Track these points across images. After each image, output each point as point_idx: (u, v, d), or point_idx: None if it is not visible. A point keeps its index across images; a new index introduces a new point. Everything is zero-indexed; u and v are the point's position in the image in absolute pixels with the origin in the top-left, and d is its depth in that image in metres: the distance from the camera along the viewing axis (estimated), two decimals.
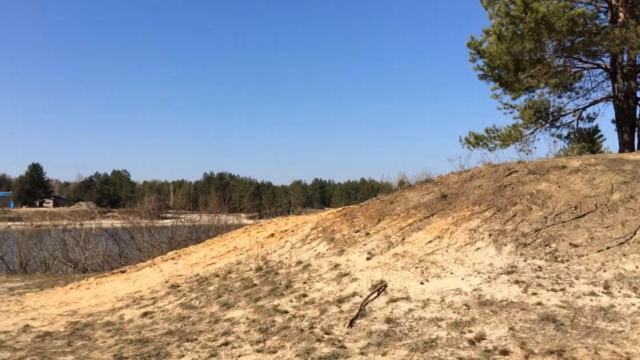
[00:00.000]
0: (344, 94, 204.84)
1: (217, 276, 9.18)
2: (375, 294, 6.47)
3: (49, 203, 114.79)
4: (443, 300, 5.93)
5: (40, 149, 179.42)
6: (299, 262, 8.70)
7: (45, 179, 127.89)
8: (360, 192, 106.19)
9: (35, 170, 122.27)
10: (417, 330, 5.32)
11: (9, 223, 28.63)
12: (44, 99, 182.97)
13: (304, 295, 7.04)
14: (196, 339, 6.21)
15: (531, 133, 16.33)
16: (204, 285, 8.83)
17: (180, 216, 31.48)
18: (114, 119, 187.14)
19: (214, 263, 10.65)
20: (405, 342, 5.07)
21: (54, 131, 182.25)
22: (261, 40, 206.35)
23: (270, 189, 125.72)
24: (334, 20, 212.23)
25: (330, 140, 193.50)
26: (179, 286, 9.14)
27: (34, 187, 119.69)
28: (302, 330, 5.86)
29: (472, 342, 4.84)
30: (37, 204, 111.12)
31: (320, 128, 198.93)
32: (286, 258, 9.26)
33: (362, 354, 4.98)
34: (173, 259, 12.73)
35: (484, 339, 4.89)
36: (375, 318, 5.84)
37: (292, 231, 11.60)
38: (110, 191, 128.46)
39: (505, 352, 4.54)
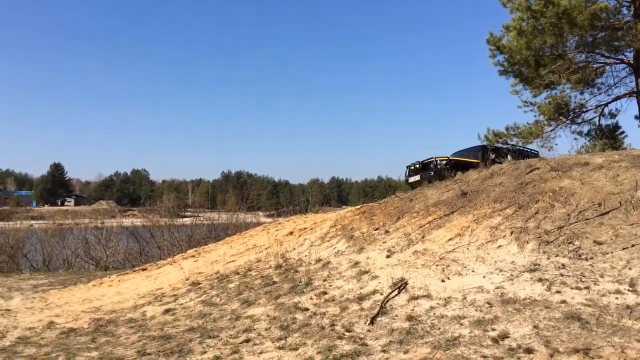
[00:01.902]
0: (358, 92, 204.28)
1: (237, 274, 9.23)
2: (395, 292, 6.45)
3: (70, 202, 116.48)
4: (465, 298, 5.89)
5: (61, 149, 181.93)
6: (318, 260, 8.71)
7: (67, 178, 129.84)
8: (377, 190, 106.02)
9: (57, 169, 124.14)
10: (439, 328, 5.29)
11: (32, 222, 29.10)
12: (64, 99, 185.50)
13: (324, 293, 7.04)
14: (218, 336, 6.25)
15: (552, 130, 16.09)
16: (225, 282, 8.88)
17: (199, 215, 31.71)
18: (132, 118, 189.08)
19: (233, 261, 10.71)
20: (428, 340, 5.05)
21: (75, 131, 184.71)
22: (276, 38, 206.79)
23: (288, 187, 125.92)
24: (349, 16, 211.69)
25: (347, 139, 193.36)
26: (199, 283, 9.21)
27: (55, 186, 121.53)
28: (323, 328, 5.87)
29: (495, 341, 4.80)
30: (59, 203, 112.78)
31: (337, 126, 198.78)
32: (305, 256, 9.28)
33: (383, 351, 4.96)
34: (193, 256, 12.83)
35: (508, 337, 4.84)
36: (397, 316, 5.83)
37: (311, 229, 11.62)
38: (130, 190, 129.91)
39: (529, 351, 4.49)
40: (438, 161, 14.39)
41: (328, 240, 9.96)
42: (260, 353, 5.47)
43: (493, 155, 14.79)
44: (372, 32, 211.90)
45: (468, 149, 16.24)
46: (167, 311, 7.90)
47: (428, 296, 6.16)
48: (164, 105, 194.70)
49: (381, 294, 6.54)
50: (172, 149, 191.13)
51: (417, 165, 15.19)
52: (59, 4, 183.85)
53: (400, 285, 6.55)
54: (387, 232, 9.12)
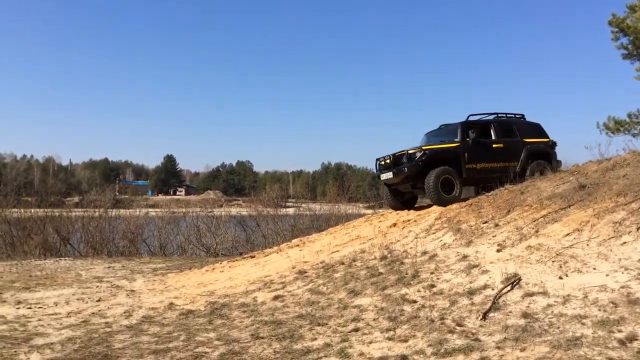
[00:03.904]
0: (460, 83, 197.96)
1: (342, 264, 9.35)
2: (508, 287, 6.22)
3: (181, 191, 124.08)
4: (586, 297, 5.55)
5: (172, 141, 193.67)
6: (424, 252, 8.60)
7: (178, 169, 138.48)
8: None
9: (170, 161, 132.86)
10: (558, 327, 5.03)
11: (149, 209, 31.20)
12: (176, 96, 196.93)
13: (432, 286, 6.95)
14: (326, 324, 6.39)
15: None
16: (330, 272, 9.04)
17: (301, 205, 32.44)
18: (237, 111, 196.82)
19: (337, 251, 10.86)
20: (546, 338, 4.82)
21: (185, 123, 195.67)
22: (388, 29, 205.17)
23: None
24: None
25: None
26: (305, 272, 9.44)
27: (168, 176, 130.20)
28: (432, 321, 5.80)
29: (622, 343, 4.48)
30: (171, 192, 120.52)
31: (438, 116, 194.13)
32: (411, 248, 9.19)
33: (498, 348, 4.81)
34: (298, 246, 13.16)
35: (637, 339, 4.50)
36: (511, 312, 5.62)
37: (415, 221, 11.48)
38: (235, 181, 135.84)
39: None
40: (410, 154, 12.35)
41: (433, 233, 9.79)
42: (370, 343, 5.51)
43: (474, 134, 12.45)
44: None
45: (443, 128, 13.74)
46: (276, 297, 8.19)
47: (544, 293, 5.88)
48: (265, 99, 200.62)
49: (493, 289, 6.34)
50: (273, 141, 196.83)
51: (388, 160, 13.03)
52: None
53: (514, 281, 6.30)
54: (496, 225, 8.80)
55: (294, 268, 10.00)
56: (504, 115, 13.64)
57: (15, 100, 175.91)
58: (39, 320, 7.66)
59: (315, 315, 6.83)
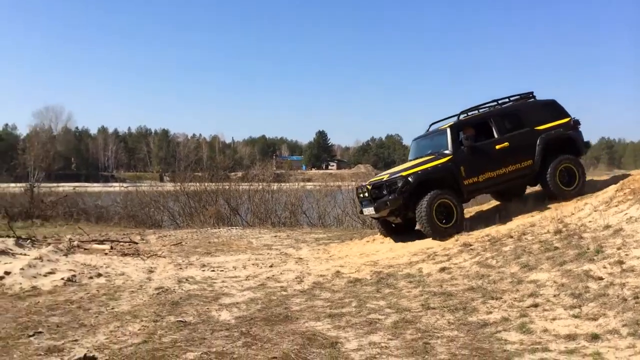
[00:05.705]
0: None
1: (511, 237, 8.91)
2: None
3: (333, 166, 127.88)
4: None
5: (324, 116, 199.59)
6: (607, 226, 7.84)
7: (329, 144, 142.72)
8: None
9: (321, 136, 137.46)
10: None
11: (305, 183, 32.59)
12: (327, 73, 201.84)
13: (621, 262, 6.31)
14: (501, 298, 6.15)
15: None
16: (498, 245, 8.67)
17: None
18: (385, 84, 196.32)
19: (504, 223, 10.38)
20: None
21: (336, 99, 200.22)
22: None
23: None
24: None
25: (620, 91, 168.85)
26: (471, 245, 9.17)
27: (320, 151, 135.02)
28: (624, 300, 5.28)
29: None
30: (324, 167, 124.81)
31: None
32: (589, 222, 8.46)
33: None
34: None
35: None
36: None
37: (590, 193, 10.56)
38: (384, 154, 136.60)
39: None
40: (389, 182, 10.42)
41: (615, 206, 8.88)
42: (553, 319, 5.20)
43: (469, 140, 10.33)
44: None
45: (432, 131, 11.44)
46: (442, 269, 8.08)
47: None
48: (414, 68, 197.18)
49: None
50: (422, 112, 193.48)
51: (366, 193, 10.96)
52: None
53: None
54: None
55: (457, 240, 9.76)
56: (507, 99, 11.28)
57: (190, 86, 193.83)
58: (223, 281, 8.42)
59: (486, 289, 6.61)
